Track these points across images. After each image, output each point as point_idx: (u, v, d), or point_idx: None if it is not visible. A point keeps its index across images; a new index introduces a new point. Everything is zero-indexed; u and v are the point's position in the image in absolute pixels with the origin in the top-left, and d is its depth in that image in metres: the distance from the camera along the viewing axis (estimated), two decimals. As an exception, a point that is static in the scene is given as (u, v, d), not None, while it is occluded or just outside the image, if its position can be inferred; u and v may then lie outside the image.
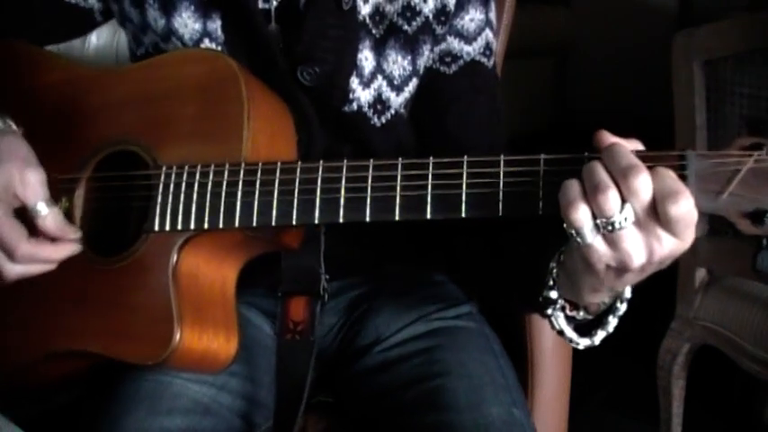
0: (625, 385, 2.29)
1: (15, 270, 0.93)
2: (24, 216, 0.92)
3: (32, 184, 0.91)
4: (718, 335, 1.72)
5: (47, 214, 0.92)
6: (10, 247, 0.91)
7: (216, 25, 1.02)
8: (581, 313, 0.86)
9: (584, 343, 0.87)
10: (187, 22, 1.02)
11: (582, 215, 0.74)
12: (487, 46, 1.10)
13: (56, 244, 0.94)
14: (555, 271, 0.85)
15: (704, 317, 1.74)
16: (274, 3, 1.02)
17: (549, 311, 0.87)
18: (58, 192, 0.99)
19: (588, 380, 1.72)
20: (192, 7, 1.02)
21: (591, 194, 0.74)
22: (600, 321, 0.86)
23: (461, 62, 1.08)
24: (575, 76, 3.59)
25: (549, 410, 1.23)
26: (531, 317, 1.22)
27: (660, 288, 1.81)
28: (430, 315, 1.11)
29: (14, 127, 0.97)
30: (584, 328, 0.87)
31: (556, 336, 1.25)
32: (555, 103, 3.58)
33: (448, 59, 1.08)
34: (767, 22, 1.64)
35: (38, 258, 0.93)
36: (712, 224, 1.87)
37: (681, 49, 1.64)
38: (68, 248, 0.95)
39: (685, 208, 0.72)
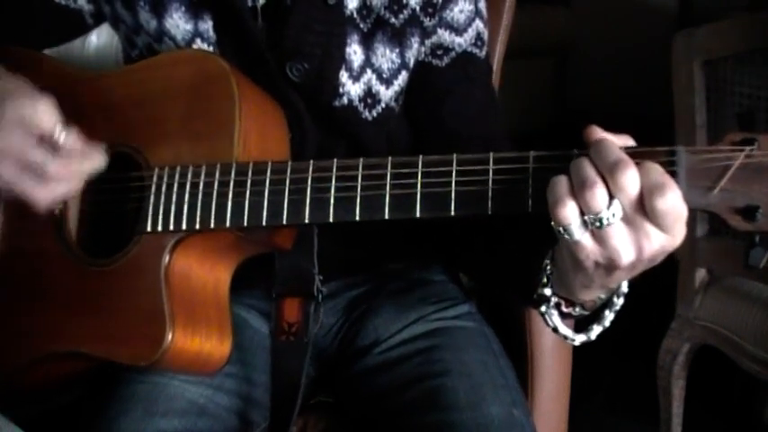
0: (625, 385, 2.29)
1: (46, 194, 0.91)
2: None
3: (45, 112, 0.90)
4: (718, 335, 1.72)
5: (66, 137, 0.91)
6: (40, 168, 0.89)
7: (207, 25, 1.02)
8: (577, 309, 0.86)
9: (579, 339, 0.86)
10: (178, 23, 1.02)
11: (569, 212, 0.73)
12: (478, 36, 1.10)
13: (83, 156, 0.92)
14: (548, 268, 0.84)
15: (704, 317, 1.74)
16: (261, 0, 1.02)
17: (543, 309, 0.86)
18: None
19: (588, 380, 1.72)
20: (183, 8, 1.02)
21: (578, 190, 0.73)
22: (597, 316, 0.85)
23: (453, 54, 1.08)
24: (575, 76, 3.59)
25: (549, 410, 1.23)
26: (531, 318, 1.22)
27: (660, 288, 1.82)
28: (429, 315, 1.11)
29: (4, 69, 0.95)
30: (582, 324, 0.87)
31: (556, 336, 1.25)
32: (555, 103, 3.57)
33: (440, 52, 1.08)
34: (767, 22, 1.64)
35: (68, 173, 0.91)
36: (712, 224, 1.87)
37: (681, 49, 1.64)
38: (96, 160, 0.93)
39: (672, 201, 0.71)
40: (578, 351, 1.26)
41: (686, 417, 1.86)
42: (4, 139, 0.88)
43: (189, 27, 1.02)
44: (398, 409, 1.02)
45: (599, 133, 0.76)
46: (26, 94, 0.91)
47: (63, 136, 0.90)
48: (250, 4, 1.02)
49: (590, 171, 0.73)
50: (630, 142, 0.77)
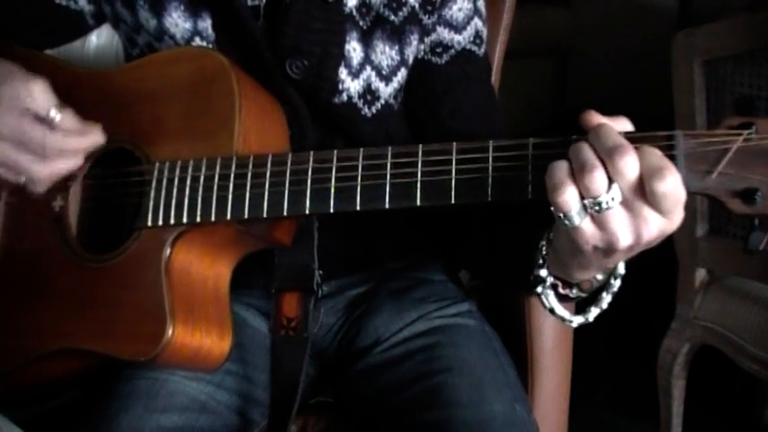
0: (625, 385, 2.29)
1: (46, 171, 0.93)
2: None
3: (40, 93, 0.91)
4: (718, 335, 1.72)
5: (62, 117, 0.92)
6: (38, 145, 0.91)
7: (206, 24, 1.02)
8: (574, 291, 0.86)
9: (577, 320, 0.86)
10: (178, 22, 1.02)
11: (569, 196, 0.73)
12: (477, 34, 1.10)
13: (81, 134, 0.94)
14: (544, 249, 0.84)
15: (704, 317, 1.74)
16: None
17: (540, 290, 0.86)
18: (53, 190, 0.99)
19: (588, 380, 1.72)
20: (182, 7, 1.02)
21: (578, 174, 0.73)
22: (594, 299, 0.85)
23: (452, 52, 1.09)
24: (575, 76, 3.59)
25: (549, 410, 1.23)
26: (531, 318, 1.22)
27: (660, 288, 1.82)
28: (430, 314, 1.11)
29: None
30: (580, 306, 0.87)
31: (556, 335, 1.25)
32: (555, 103, 3.57)
33: (439, 50, 1.09)
34: (767, 22, 1.64)
35: (67, 149, 0.93)
36: (712, 224, 1.86)
37: (681, 49, 1.64)
38: (93, 137, 0.95)
39: (671, 184, 0.72)
40: (578, 351, 1.26)
41: (686, 417, 1.86)
42: (1, 121, 0.89)
43: (188, 26, 1.02)
44: (400, 407, 1.02)
45: (597, 118, 0.76)
46: (20, 77, 0.92)
47: (59, 115, 0.92)
48: (249, 2, 1.02)
49: (589, 155, 0.74)
50: (629, 126, 0.78)
